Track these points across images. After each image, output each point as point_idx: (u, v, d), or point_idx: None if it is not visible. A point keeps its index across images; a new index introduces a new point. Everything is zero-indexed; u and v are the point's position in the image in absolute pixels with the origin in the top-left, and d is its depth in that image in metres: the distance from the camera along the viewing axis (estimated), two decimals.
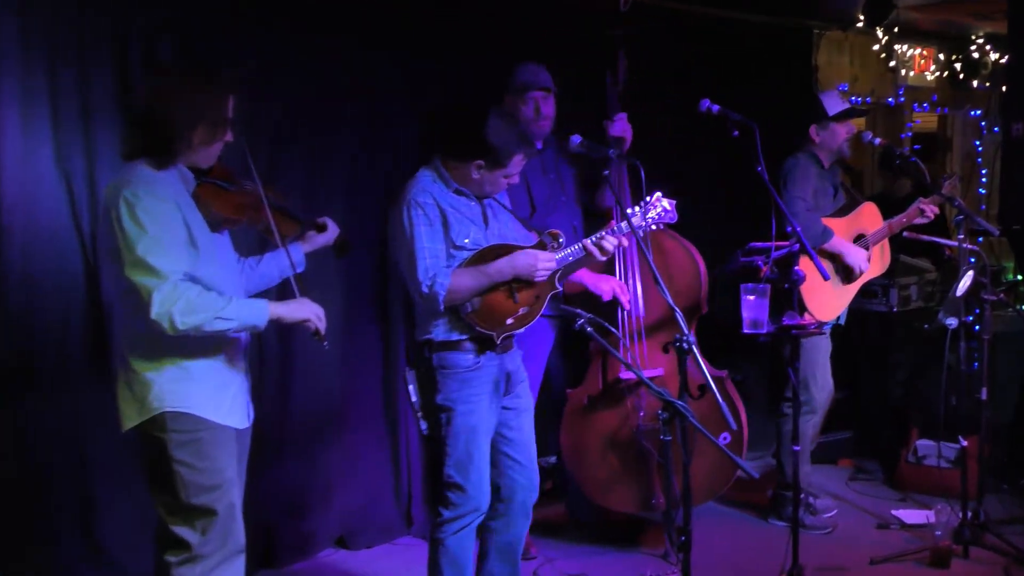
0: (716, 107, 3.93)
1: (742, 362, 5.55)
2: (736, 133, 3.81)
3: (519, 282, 3.50)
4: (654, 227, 3.62)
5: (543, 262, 3.48)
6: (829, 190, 4.87)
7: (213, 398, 2.92)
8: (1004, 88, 6.57)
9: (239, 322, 2.84)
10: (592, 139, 3.65)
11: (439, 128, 4.21)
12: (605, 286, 4.24)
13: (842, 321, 4.90)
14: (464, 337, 3.48)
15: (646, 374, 4.17)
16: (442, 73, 4.57)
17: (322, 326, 3.01)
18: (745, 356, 5.53)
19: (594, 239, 3.55)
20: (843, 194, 4.99)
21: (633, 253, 4.34)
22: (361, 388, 4.56)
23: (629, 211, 3.60)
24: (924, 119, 8.04)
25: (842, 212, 4.84)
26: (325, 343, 3.05)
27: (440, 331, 3.49)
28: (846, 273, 4.75)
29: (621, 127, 4.32)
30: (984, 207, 7.48)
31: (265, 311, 2.90)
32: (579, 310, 3.20)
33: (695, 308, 4.37)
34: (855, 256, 4.71)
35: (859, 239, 4.83)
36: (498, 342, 3.48)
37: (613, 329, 4.06)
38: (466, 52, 4.59)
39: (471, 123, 3.44)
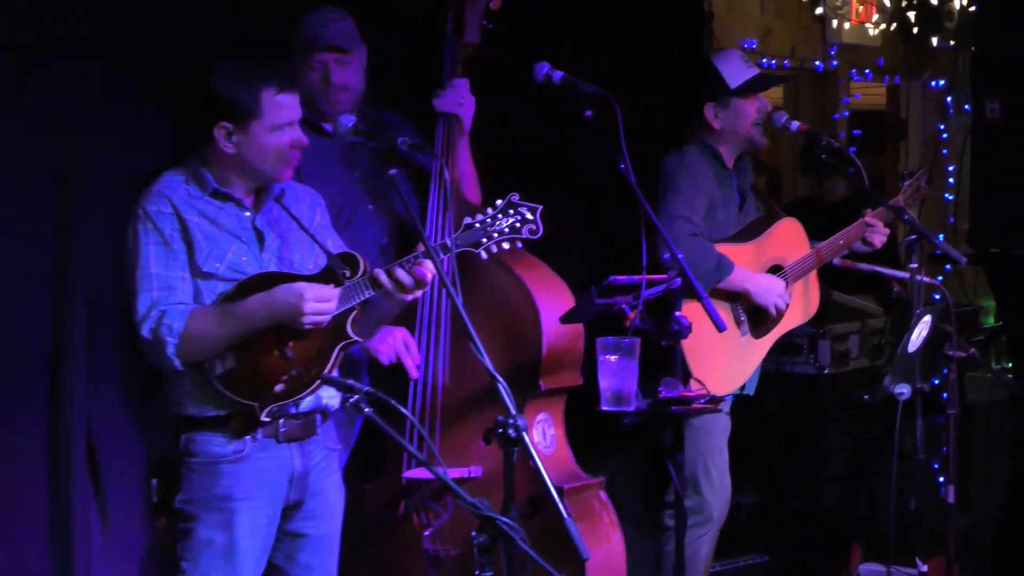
0: (558, 74, 3.98)
1: (610, 453, 5.61)
2: (589, 113, 3.87)
3: (290, 330, 3.50)
4: (506, 245, 3.67)
5: (312, 301, 3.47)
6: (734, 198, 4.95)
7: None
8: (974, 49, 6.89)
9: None
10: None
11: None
12: (383, 345, 4.23)
13: (749, 390, 4.99)
14: (223, 412, 3.51)
15: (455, 474, 4.15)
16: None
17: None
18: (613, 445, 5.59)
19: (389, 267, 3.58)
20: (754, 202, 5.08)
21: (444, 293, 4.34)
22: (20, 493, 4.44)
23: (472, 219, 3.65)
24: (867, 91, 8.31)
25: (750, 232, 4.92)
26: None
27: (189, 402, 3.53)
28: (755, 319, 4.85)
29: (456, 98, 4.32)
30: (952, 219, 7.76)
31: None
32: (351, 380, 3.20)
33: (530, 373, 4.36)
34: (766, 290, 4.78)
35: (774, 272, 4.91)
36: (262, 417, 3.48)
37: (405, 411, 4.07)
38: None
39: (193, 81, 3.59)
